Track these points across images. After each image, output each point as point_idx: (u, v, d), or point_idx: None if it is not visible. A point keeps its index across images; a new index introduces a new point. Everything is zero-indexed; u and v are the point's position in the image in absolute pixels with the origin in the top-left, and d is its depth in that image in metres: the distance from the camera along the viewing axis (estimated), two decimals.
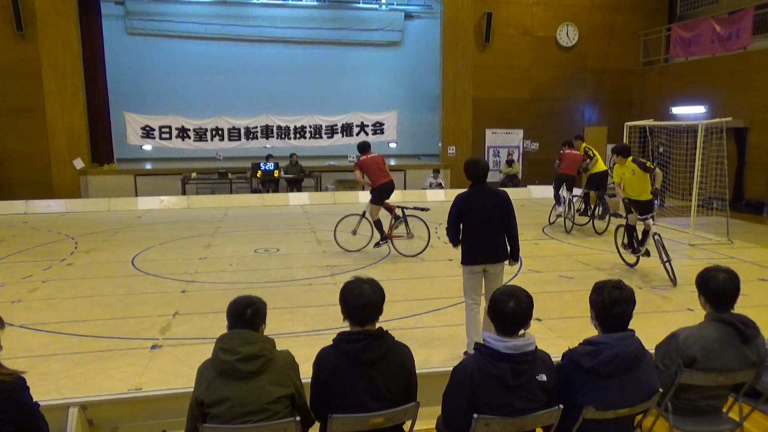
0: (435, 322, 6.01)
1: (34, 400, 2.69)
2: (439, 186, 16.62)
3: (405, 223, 8.98)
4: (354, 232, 9.12)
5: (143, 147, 17.03)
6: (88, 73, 16.16)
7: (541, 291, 6.93)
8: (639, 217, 7.70)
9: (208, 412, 2.74)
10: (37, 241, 10.49)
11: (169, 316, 6.15)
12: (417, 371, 2.98)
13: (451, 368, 2.81)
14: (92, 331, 5.71)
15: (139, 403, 4.19)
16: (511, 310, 2.68)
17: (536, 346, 2.74)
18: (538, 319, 5.78)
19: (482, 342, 2.77)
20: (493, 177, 18.06)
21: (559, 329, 5.72)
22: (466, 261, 5.02)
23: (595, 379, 2.74)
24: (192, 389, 2.82)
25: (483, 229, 4.91)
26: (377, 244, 8.99)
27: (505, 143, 18.17)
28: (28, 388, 2.64)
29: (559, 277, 7.83)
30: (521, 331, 2.73)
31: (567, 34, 18.05)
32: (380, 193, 8.79)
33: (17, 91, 15.11)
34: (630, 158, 7.93)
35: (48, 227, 11.93)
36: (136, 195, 15.74)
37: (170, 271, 8.05)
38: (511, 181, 17.44)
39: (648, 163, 7.91)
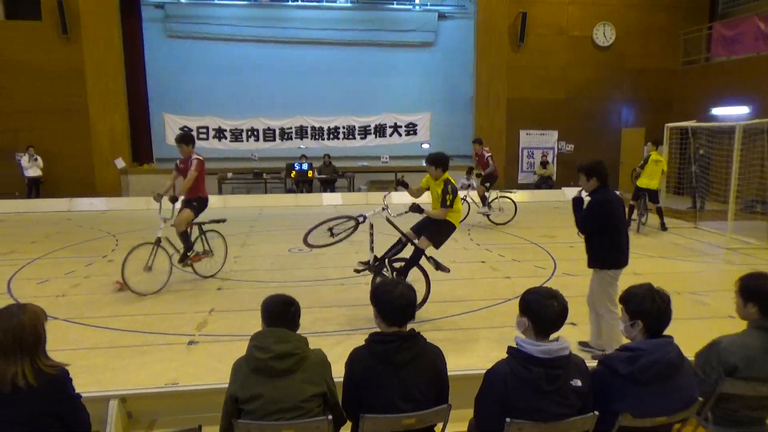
0: (469, 323, 5.98)
1: (76, 391, 2.79)
2: (471, 187, 16.51)
3: (204, 239, 7.73)
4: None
5: None
6: (129, 75, 16.61)
7: (576, 295, 6.77)
8: None
9: (242, 408, 2.78)
10: (80, 237, 10.84)
11: (205, 313, 6.28)
12: (449, 373, 2.97)
13: (483, 371, 2.80)
14: (132, 326, 5.87)
15: (176, 397, 4.29)
16: (553, 311, 2.65)
17: (571, 351, 2.70)
18: (573, 324, 5.69)
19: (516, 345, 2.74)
20: (527, 179, 17.88)
21: None
22: (615, 264, 4.82)
23: (632, 386, 2.69)
24: (227, 385, 2.88)
25: (624, 230, 4.86)
26: (181, 259, 7.44)
27: (539, 144, 17.95)
28: (71, 379, 2.72)
29: None
30: (554, 335, 2.70)
31: (603, 33, 17.72)
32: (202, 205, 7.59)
33: (62, 92, 15.64)
34: None
35: (90, 224, 12.31)
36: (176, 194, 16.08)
37: (207, 269, 8.20)
38: (546, 182, 17.22)
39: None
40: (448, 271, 6.23)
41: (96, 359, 5.00)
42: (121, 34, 16.20)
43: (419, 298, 5.57)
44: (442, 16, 20.79)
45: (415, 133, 17.58)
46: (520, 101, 17.50)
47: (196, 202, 7.51)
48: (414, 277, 6.05)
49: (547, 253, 9.23)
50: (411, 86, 20.63)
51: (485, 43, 17.37)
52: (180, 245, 7.49)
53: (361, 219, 6.32)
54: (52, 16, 15.50)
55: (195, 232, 7.65)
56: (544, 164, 17.38)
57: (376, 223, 6.40)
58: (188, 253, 7.45)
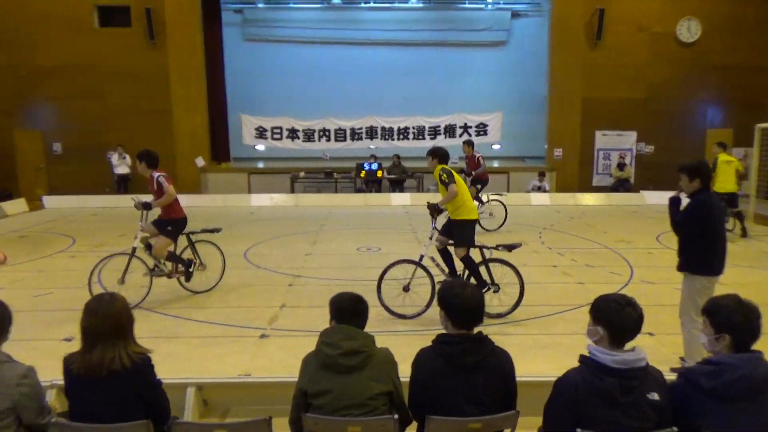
0: (537, 329, 5.85)
1: (157, 377, 2.96)
2: (542, 189, 16.12)
3: (193, 251, 7.11)
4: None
5: (256, 147, 18.04)
6: (209, 78, 17.40)
7: (653, 304, 6.51)
8: None
9: (311, 403, 2.86)
10: None
11: (276, 308, 6.48)
12: (517, 379, 2.92)
13: (553, 378, 2.73)
14: (209, 318, 6.14)
15: (249, 388, 4.46)
16: (629, 319, 2.55)
17: (647, 362, 2.59)
18: (650, 334, 5.45)
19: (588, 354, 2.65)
20: (602, 181, 17.23)
21: (674, 345, 5.35)
22: (707, 271, 4.59)
23: (715, 402, 2.54)
24: (296, 379, 2.96)
25: (723, 236, 4.65)
26: (152, 271, 6.72)
27: (616, 146, 17.25)
28: (153, 366, 2.90)
29: (674, 289, 7.30)
30: (629, 345, 2.59)
31: (688, 29, 16.81)
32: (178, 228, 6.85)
33: (149, 95, 16.59)
34: None
35: None
36: (249, 192, 16.70)
37: (278, 265, 8.47)
38: (623, 185, 16.52)
39: None
40: (519, 245, 6.38)
41: (175, 348, 5.27)
42: (202, 40, 16.99)
43: (513, 299, 6.04)
44: (515, 14, 20.43)
45: (485, 133, 17.34)
46: (596, 101, 16.89)
47: (171, 226, 6.72)
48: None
49: (624, 259, 8.86)
50: (482, 86, 20.39)
51: (560, 41, 16.90)
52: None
53: (420, 260, 6.23)
54: (141, 23, 16.47)
55: (184, 243, 7.07)
56: (621, 166, 16.68)
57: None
58: (190, 269, 6.84)
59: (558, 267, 8.41)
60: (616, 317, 2.56)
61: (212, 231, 7.30)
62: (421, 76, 20.14)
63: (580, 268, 8.36)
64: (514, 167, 18.05)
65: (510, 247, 6.21)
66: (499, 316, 6.03)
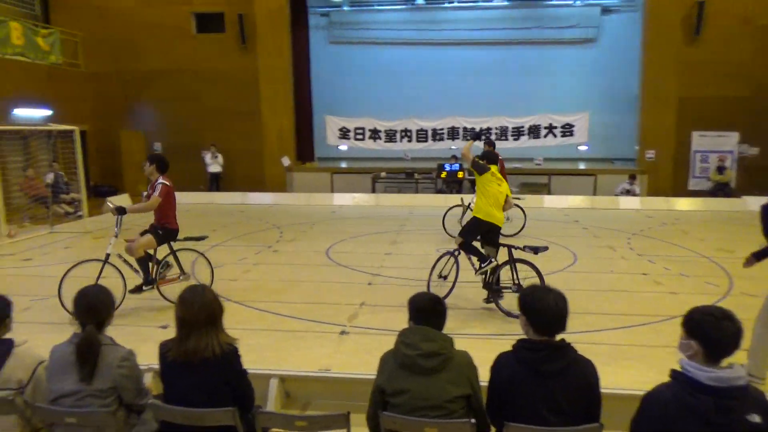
0: (623, 340, 5.59)
1: (243, 367, 3.10)
2: (632, 193, 15.34)
3: (175, 259, 6.80)
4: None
5: (340, 147, 18.43)
6: (296, 80, 17.98)
7: (755, 318, 6.05)
8: None
9: (388, 401, 2.89)
10: (251, 228, 11.97)
11: (356, 306, 6.60)
12: (602, 391, 2.81)
13: (640, 392, 2.60)
14: (291, 312, 6.36)
15: (328, 383, 4.58)
16: (727, 334, 2.37)
17: (747, 381, 2.39)
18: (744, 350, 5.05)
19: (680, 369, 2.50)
20: (699, 185, 16.19)
21: None
22: None
23: None
24: (374, 376, 3.00)
25: None
26: (136, 290, 6.46)
27: (715, 147, 16.12)
28: (239, 355, 3.04)
29: None
30: (725, 362, 2.41)
31: None
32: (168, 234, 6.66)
33: (240, 97, 17.39)
34: None
35: (259, 217, 13.54)
36: (332, 191, 17.09)
37: (359, 264, 8.62)
38: (722, 190, 15.41)
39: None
40: (546, 248, 6.48)
41: (261, 340, 5.50)
42: (290, 43, 17.58)
43: None
44: (606, 10, 19.58)
45: (571, 134, 16.76)
46: (693, 99, 15.86)
47: (162, 231, 6.60)
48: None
49: (722, 269, 8.28)
50: (569, 85, 19.72)
51: (654, 37, 16.01)
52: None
53: (456, 252, 6.62)
54: (234, 28, 17.30)
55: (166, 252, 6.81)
56: (720, 169, 15.57)
57: None
58: (144, 287, 6.48)
59: (648, 275, 8.00)
60: (712, 331, 2.39)
61: (197, 239, 6.99)
62: (504, 76, 19.78)
63: (673, 277, 7.90)
64: (602, 169, 17.31)
65: (536, 250, 6.22)
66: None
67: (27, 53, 14.95)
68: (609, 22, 19.71)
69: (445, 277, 6.61)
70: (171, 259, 6.76)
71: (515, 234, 10.62)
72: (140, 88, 17.88)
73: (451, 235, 9.51)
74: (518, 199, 10.61)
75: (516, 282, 6.26)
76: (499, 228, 6.53)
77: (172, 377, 2.95)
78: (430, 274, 6.67)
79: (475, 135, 7.81)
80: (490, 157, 6.66)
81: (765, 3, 15.54)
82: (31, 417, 2.98)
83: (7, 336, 3.11)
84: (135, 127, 18.21)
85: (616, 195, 15.42)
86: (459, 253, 6.57)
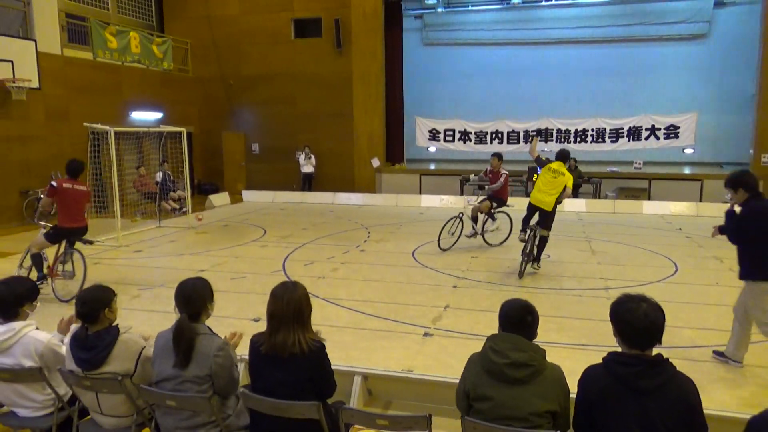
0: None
1: (330, 365, 3.19)
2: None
3: (64, 256, 7.05)
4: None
5: (429, 149, 18.45)
6: (388, 82, 18.20)
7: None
8: None
9: (472, 405, 2.86)
10: (340, 228, 12.26)
11: (440, 308, 6.58)
12: (705, 412, 2.61)
13: (746, 415, 2.41)
14: (376, 312, 6.46)
15: (410, 384, 4.60)
16: None
17: None
18: None
19: None
20: None
21: None
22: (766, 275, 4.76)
23: None
24: (458, 379, 2.98)
25: None
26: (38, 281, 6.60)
27: None
28: (326, 354, 3.13)
29: None
30: None
31: None
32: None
33: (334, 99, 17.87)
34: None
35: (348, 217, 13.84)
36: (420, 193, 17.14)
37: (444, 266, 8.59)
38: None
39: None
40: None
41: (346, 337, 5.63)
42: (383, 46, 17.82)
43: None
44: (719, 3, 18.19)
45: (676, 136, 15.73)
46: None
47: (53, 230, 6.93)
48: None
49: None
50: (674, 84, 18.53)
51: None
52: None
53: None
54: (330, 33, 17.81)
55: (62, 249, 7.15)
56: None
57: None
58: (38, 282, 6.33)
59: None
60: None
61: (86, 243, 7.30)
62: (603, 75, 18.93)
63: None
64: (710, 174, 16.09)
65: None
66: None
67: (143, 60, 16.24)
68: (722, 16, 18.30)
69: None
70: (70, 256, 7.10)
71: (500, 243, 10.11)
72: (241, 92, 18.86)
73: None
74: (506, 207, 10.24)
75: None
76: (541, 209, 8.06)
77: (261, 369, 3.08)
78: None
79: (537, 132, 9.62)
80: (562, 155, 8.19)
81: None
82: (137, 397, 3.23)
83: (117, 323, 3.37)
84: (236, 129, 19.24)
85: (726, 202, 14.26)
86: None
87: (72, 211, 6.95)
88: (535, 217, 8.23)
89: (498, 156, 9.88)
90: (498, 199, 9.83)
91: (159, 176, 13.87)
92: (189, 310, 3.15)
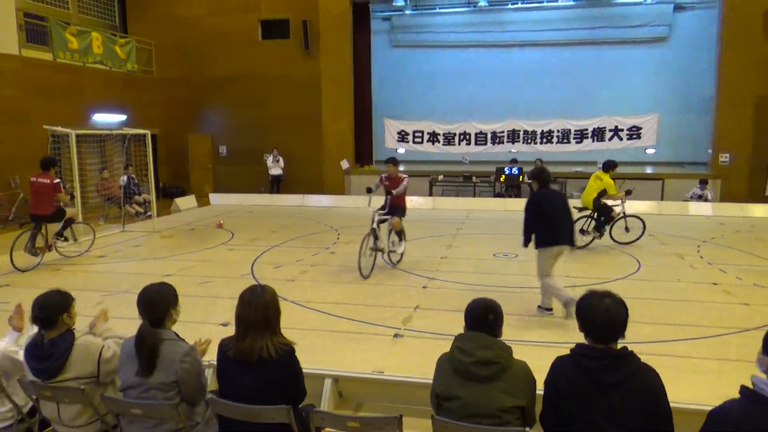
0: (689, 352, 5.33)
1: (300, 368, 3.16)
2: (704, 198, 14.57)
3: (33, 236, 8.77)
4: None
5: (398, 150, 18.50)
6: (356, 84, 18.20)
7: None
8: None
9: (441, 404, 2.88)
10: (309, 230, 12.19)
11: (411, 309, 6.60)
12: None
13: (706, 408, 2.47)
14: (347, 313, 6.44)
15: (382, 385, 4.60)
16: None
17: None
18: None
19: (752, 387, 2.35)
20: None
21: None
22: (544, 244, 6.24)
23: None
24: (428, 380, 2.99)
25: (555, 219, 6.21)
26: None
27: None
28: (296, 358, 3.10)
29: None
30: None
31: None
32: None
33: (302, 101, 17.78)
34: None
35: (317, 219, 13.77)
36: None
37: (414, 267, 8.62)
38: None
39: None
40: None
41: (316, 340, 5.59)
42: (352, 48, 17.81)
43: None
44: (679, 7, 18.74)
45: (638, 137, 16.14)
46: None
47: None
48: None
49: None
50: (637, 86, 19.01)
51: (732, 34, 15.20)
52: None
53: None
54: (298, 34, 17.71)
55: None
56: None
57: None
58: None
59: (719, 285, 7.59)
60: None
61: (57, 236, 9.12)
62: (568, 77, 19.28)
63: (746, 287, 7.46)
64: (671, 174, 16.57)
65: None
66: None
67: (106, 61, 15.87)
68: (682, 20, 18.85)
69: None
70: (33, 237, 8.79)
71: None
72: (208, 93, 18.59)
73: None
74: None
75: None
76: (588, 208, 9.88)
77: (230, 374, 3.04)
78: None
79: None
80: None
81: None
82: (98, 406, 3.15)
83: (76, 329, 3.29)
84: (203, 131, 18.95)
85: (687, 200, 14.71)
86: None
87: (35, 200, 8.60)
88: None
89: (392, 161, 8.81)
90: (400, 209, 8.67)
91: (123, 179, 13.57)
92: (151, 316, 3.09)
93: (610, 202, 9.99)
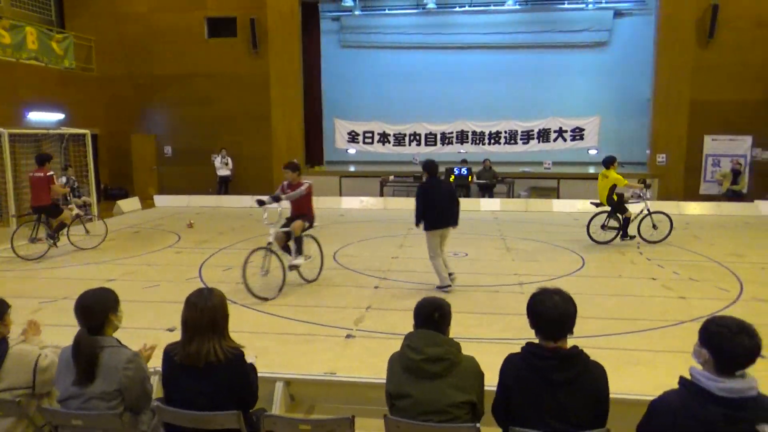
0: (631, 344, 5.55)
1: (250, 373, 3.09)
2: (642, 198, 15.16)
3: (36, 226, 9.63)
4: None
5: (348, 151, 18.46)
6: (306, 84, 18.05)
7: (766, 323, 5.99)
8: None
9: (394, 404, 2.89)
10: (259, 231, 11.96)
11: (363, 309, 6.60)
12: (612, 396, 2.76)
13: (647, 398, 2.57)
14: (298, 316, 6.37)
15: (334, 387, 4.57)
16: (742, 349, 2.29)
17: (758, 391, 2.33)
18: (762, 357, 4.98)
19: (690, 377, 2.45)
20: (710, 189, 16.06)
21: None
22: (429, 227, 7.29)
23: None
24: (381, 380, 3.00)
25: (438, 207, 7.24)
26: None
27: (727, 151, 15.97)
28: (245, 361, 3.03)
29: None
30: (739, 372, 2.34)
31: None
32: None
33: (251, 101, 17.49)
34: None
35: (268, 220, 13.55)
36: (340, 195, 17.11)
37: (366, 267, 8.62)
38: (735, 194, 15.21)
39: None
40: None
41: (267, 343, 5.51)
42: (301, 47, 17.65)
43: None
44: (618, 13, 19.49)
45: (581, 138, 16.67)
46: (706, 103, 15.73)
47: None
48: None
49: (733, 274, 8.19)
50: (580, 89, 19.65)
51: (668, 40, 15.91)
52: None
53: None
54: (245, 33, 17.42)
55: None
56: (735, 174, 15.34)
57: None
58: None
59: (657, 280, 7.93)
60: (725, 345, 2.31)
61: (48, 234, 9.73)
62: (515, 80, 19.73)
63: (683, 281, 7.83)
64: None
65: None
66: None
67: (41, 57, 15.14)
68: (621, 26, 19.62)
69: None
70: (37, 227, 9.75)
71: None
72: (152, 92, 18.03)
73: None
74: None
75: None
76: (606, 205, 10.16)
77: (177, 380, 2.95)
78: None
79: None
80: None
81: None
82: (33, 416, 3.00)
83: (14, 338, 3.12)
84: (146, 131, 18.36)
85: (630, 198, 15.26)
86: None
87: (33, 193, 9.47)
88: None
89: (291, 166, 7.72)
90: (304, 217, 7.68)
91: (62, 181, 12.97)
92: (89, 323, 2.96)
93: (628, 194, 10.55)
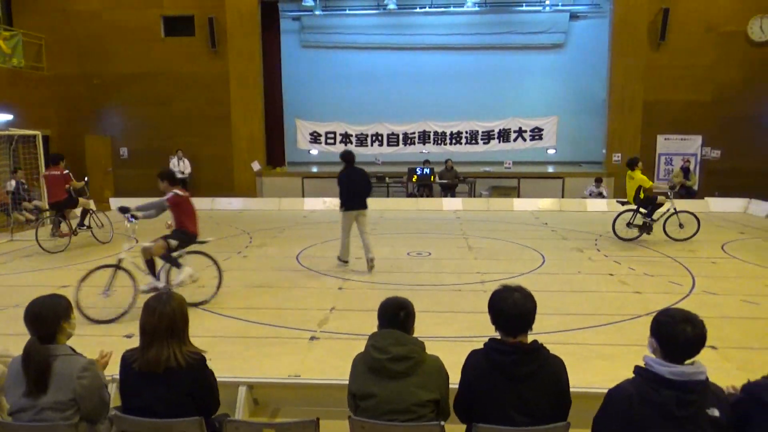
0: (592, 339, 5.68)
1: (212, 378, 3.03)
2: (600, 195, 15.62)
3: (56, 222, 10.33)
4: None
5: (311, 151, 18.34)
6: (266, 84, 17.82)
7: (717, 315, 6.23)
8: None
9: (358, 404, 2.88)
10: (220, 234, 11.80)
11: (326, 311, 6.56)
12: (573, 389, 2.84)
13: (606, 390, 2.64)
14: (261, 318, 6.29)
15: (298, 389, 4.52)
16: (685, 338, 2.42)
17: (707, 377, 2.46)
18: (713, 347, 5.19)
19: (644, 365, 2.54)
20: (663, 187, 16.59)
21: (738, 360, 5.08)
22: (343, 208, 8.60)
23: None
24: (345, 381, 2.98)
25: (348, 192, 8.51)
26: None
27: (679, 150, 16.56)
28: (207, 367, 2.97)
29: (740, 301, 6.95)
30: (689, 360, 2.47)
31: (761, 27, 15.95)
32: None
33: (211, 101, 17.18)
34: None
35: (228, 222, 13.37)
36: (303, 196, 16.99)
37: (329, 269, 8.58)
38: (687, 192, 15.75)
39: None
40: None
41: (229, 347, 5.41)
42: (261, 47, 17.43)
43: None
44: (573, 16, 19.94)
45: (540, 138, 17.00)
46: (658, 104, 16.27)
47: None
48: None
49: (685, 269, 8.49)
50: (538, 90, 20.03)
51: (621, 43, 16.38)
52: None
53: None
54: (203, 32, 17.10)
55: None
56: (685, 171, 15.91)
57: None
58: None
59: (614, 276, 8.15)
60: (668, 333, 2.45)
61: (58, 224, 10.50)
62: (475, 81, 19.96)
63: (638, 277, 8.07)
64: (570, 172, 17.61)
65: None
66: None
67: None
68: (577, 28, 20.08)
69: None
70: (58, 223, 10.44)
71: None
72: (107, 92, 17.51)
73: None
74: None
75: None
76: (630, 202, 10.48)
77: (135, 387, 2.87)
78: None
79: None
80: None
81: (727, 11, 16.04)
82: None
83: None
84: (101, 132, 17.82)
85: (585, 197, 15.68)
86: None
87: (50, 191, 10.27)
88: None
89: (161, 175, 6.92)
90: (180, 232, 6.86)
91: (11, 185, 12.48)
92: (40, 332, 2.85)
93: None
